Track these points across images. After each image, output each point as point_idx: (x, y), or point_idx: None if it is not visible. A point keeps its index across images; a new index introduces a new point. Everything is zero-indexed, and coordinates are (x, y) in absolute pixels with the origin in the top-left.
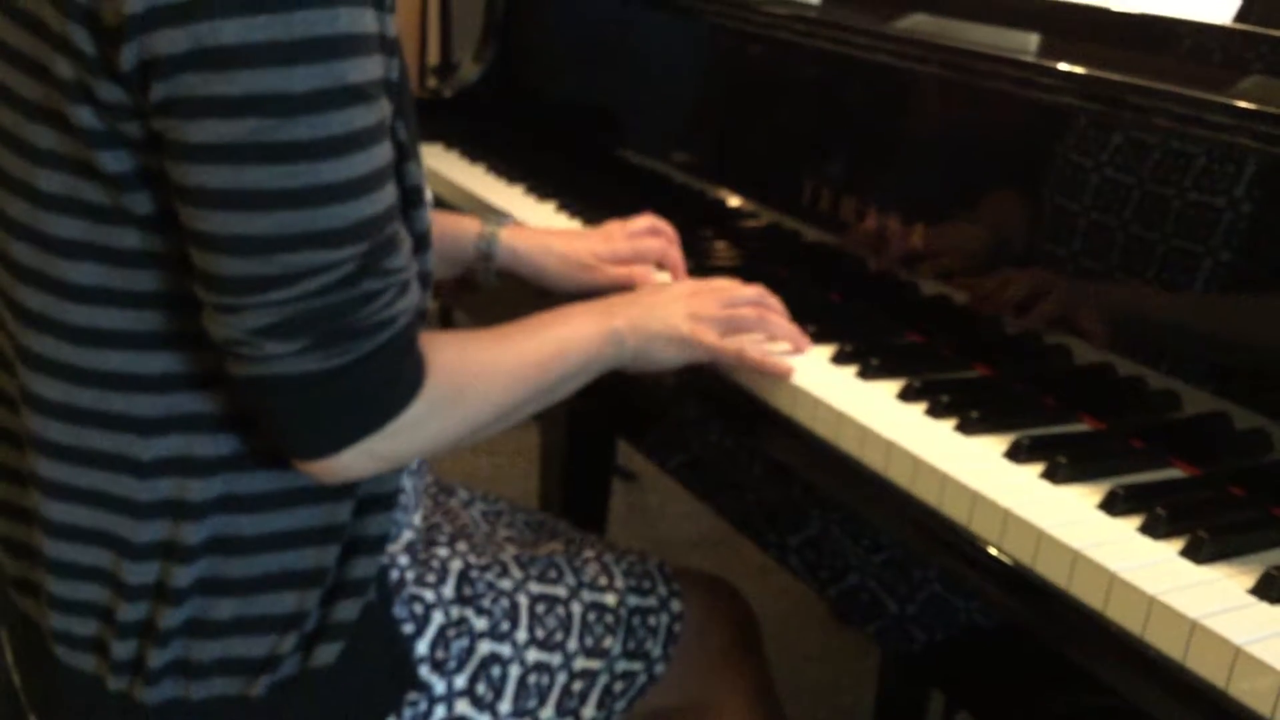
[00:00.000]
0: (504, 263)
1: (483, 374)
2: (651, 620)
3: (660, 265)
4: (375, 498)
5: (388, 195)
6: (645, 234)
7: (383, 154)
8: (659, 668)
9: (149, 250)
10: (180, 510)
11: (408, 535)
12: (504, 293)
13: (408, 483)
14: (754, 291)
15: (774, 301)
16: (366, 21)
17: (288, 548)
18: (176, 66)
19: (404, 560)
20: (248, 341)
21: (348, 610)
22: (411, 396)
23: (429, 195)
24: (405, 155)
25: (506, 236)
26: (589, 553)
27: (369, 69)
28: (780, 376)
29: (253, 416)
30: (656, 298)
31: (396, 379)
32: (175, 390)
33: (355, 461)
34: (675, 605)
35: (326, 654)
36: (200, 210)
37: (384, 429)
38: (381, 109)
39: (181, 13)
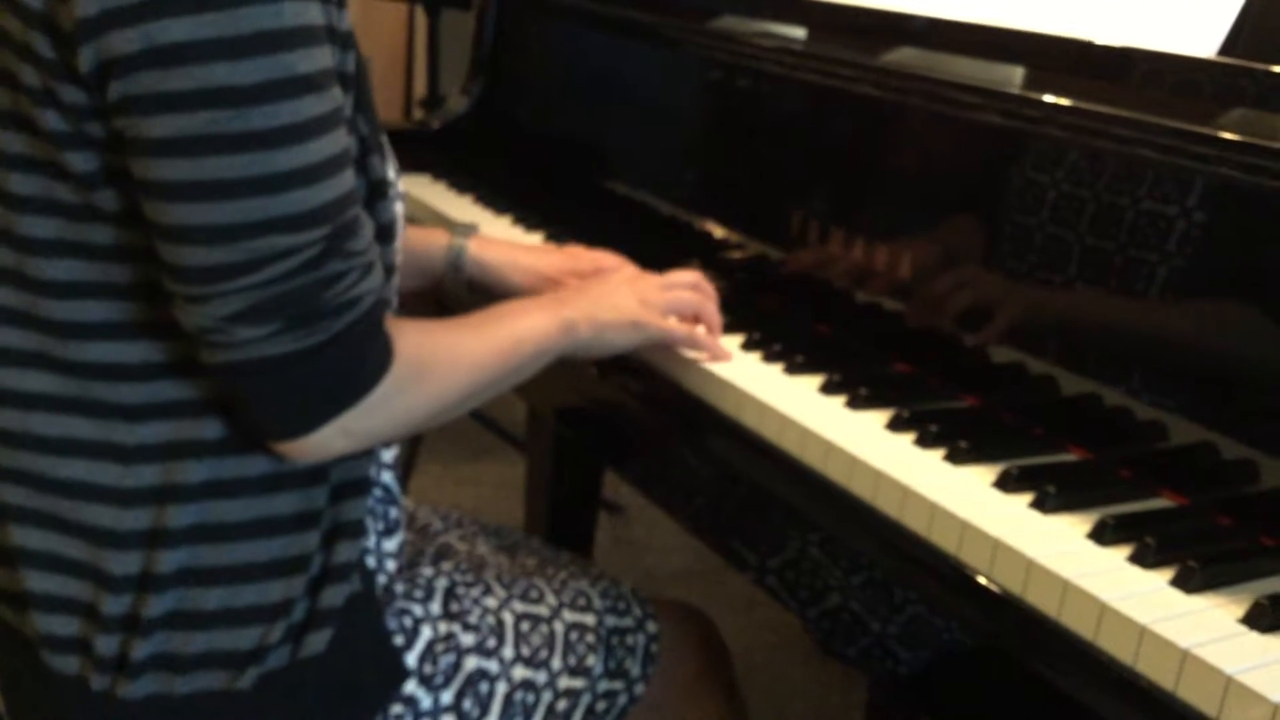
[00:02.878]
0: (472, 274)
1: (446, 357)
2: (629, 640)
3: None
4: (348, 483)
5: (346, 180)
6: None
7: (338, 140)
8: (639, 688)
9: (123, 244)
10: (165, 496)
11: (400, 534)
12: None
13: (385, 476)
14: (692, 276)
15: (709, 288)
16: (312, 14)
17: (271, 534)
18: (131, 66)
19: (391, 566)
20: (219, 329)
21: (334, 596)
22: (381, 375)
23: (400, 189)
24: (368, 149)
25: (474, 249)
26: (564, 574)
27: (318, 59)
28: (718, 359)
29: (231, 402)
30: (603, 287)
31: (365, 357)
32: (157, 378)
33: (330, 440)
34: (651, 626)
35: (316, 643)
36: (163, 204)
37: (356, 407)
38: (334, 98)
39: (133, 14)
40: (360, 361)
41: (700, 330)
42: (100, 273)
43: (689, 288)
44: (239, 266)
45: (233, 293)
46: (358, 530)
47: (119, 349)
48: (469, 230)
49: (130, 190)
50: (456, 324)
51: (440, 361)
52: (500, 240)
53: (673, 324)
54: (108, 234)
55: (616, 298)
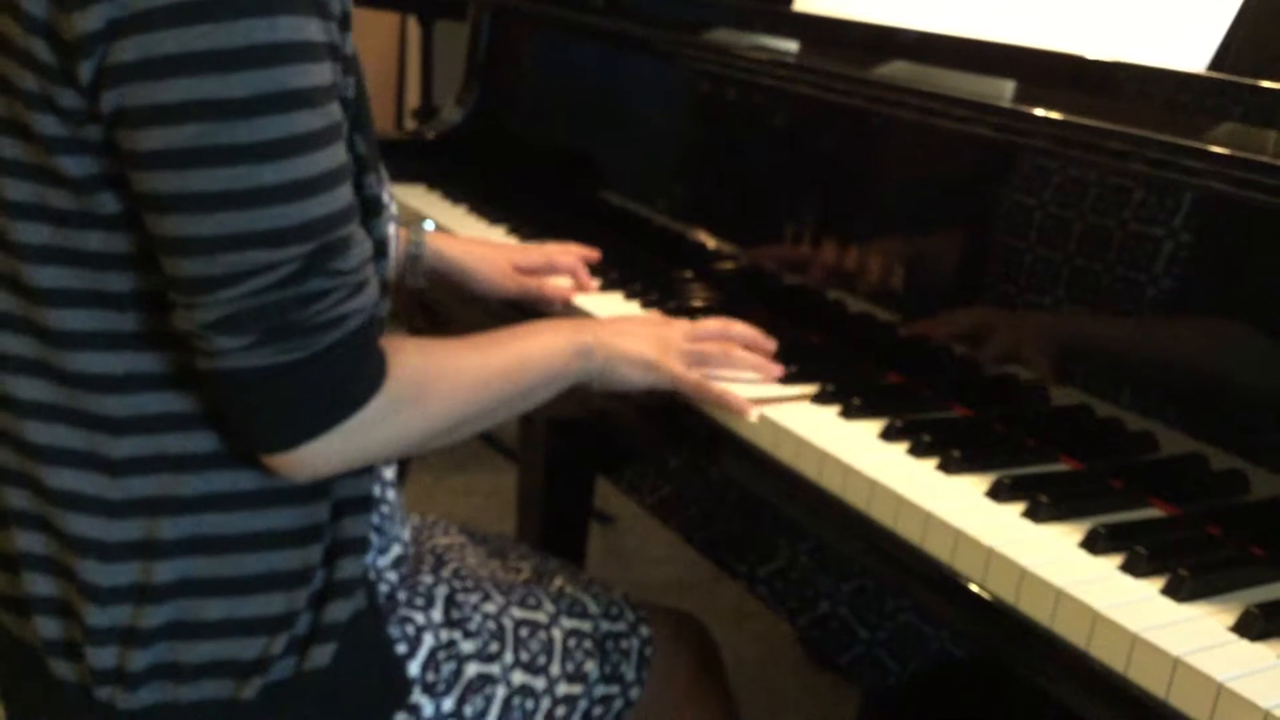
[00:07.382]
0: (430, 264)
1: (447, 377)
2: (624, 644)
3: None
4: (350, 500)
5: (338, 197)
6: (561, 253)
7: (332, 156)
8: (634, 692)
9: (112, 251)
10: (157, 508)
11: (396, 550)
12: (469, 321)
13: (390, 494)
14: (717, 324)
15: (740, 329)
16: (310, 30)
17: (270, 548)
18: (126, 77)
19: (393, 577)
20: (201, 335)
21: (338, 611)
22: (371, 394)
23: (394, 209)
24: (364, 167)
25: (432, 240)
26: (558, 580)
27: (314, 75)
28: (737, 411)
29: (221, 414)
30: (629, 322)
31: (353, 376)
32: (142, 390)
33: (319, 457)
34: (644, 630)
35: (320, 656)
36: (154, 215)
37: (344, 424)
38: (330, 114)
39: (133, 26)
40: (347, 380)
41: (712, 385)
42: (87, 280)
43: (717, 338)
44: (219, 279)
45: (214, 303)
46: (361, 547)
47: (104, 360)
48: (425, 222)
49: (125, 196)
50: (460, 343)
51: (439, 382)
52: (457, 236)
53: (688, 374)
54: (98, 240)
55: (638, 334)
